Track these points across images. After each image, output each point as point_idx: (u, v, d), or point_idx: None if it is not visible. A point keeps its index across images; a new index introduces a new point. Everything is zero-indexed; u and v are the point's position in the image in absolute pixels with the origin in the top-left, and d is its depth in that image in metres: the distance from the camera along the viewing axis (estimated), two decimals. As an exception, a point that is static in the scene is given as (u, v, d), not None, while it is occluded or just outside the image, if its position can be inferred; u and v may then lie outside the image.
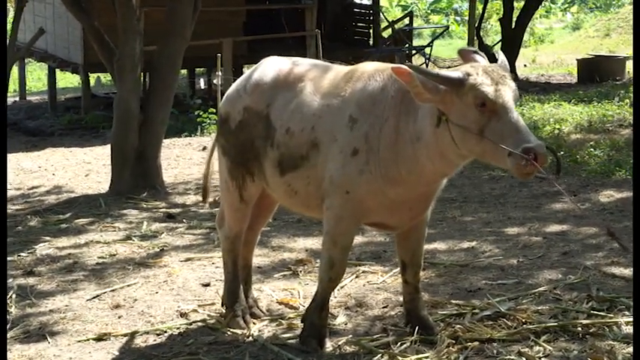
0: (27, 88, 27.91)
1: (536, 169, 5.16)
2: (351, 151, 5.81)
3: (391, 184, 5.79)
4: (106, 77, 30.90)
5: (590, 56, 26.72)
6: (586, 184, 11.46)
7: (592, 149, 13.28)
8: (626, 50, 30.18)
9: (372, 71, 5.94)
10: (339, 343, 6.21)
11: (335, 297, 7.29)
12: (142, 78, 14.75)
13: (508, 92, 5.36)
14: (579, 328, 6.19)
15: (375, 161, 5.76)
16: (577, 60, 25.50)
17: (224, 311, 6.85)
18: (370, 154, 5.77)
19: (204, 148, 16.35)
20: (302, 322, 6.35)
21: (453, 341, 6.05)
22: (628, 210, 9.87)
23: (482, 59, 5.71)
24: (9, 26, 18.71)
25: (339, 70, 6.24)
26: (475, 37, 25.37)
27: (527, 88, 21.75)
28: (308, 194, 6.12)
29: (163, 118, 12.69)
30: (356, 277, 7.79)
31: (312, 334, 6.18)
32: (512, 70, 24.59)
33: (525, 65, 27.49)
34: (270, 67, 6.46)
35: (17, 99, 26.49)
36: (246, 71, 6.76)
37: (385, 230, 6.19)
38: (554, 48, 36.03)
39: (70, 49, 22.66)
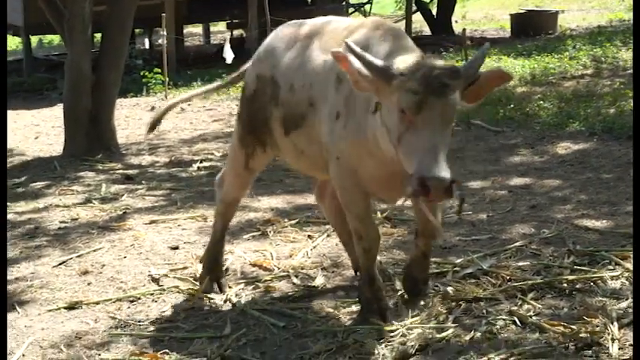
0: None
1: (427, 199, 4.70)
2: (335, 114, 5.46)
3: (367, 154, 5.38)
4: (45, 39, 30.32)
5: (523, 11, 26.78)
6: (542, 136, 11.40)
7: (541, 102, 13.28)
8: (553, 5, 30.46)
9: (372, 26, 5.54)
10: (322, 305, 6.07)
11: (309, 257, 7.15)
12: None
13: (436, 107, 4.73)
14: (565, 284, 6.07)
15: (351, 126, 5.36)
16: (510, 15, 25.66)
17: (198, 274, 6.67)
18: (348, 118, 5.39)
19: (153, 108, 16.10)
20: (358, 299, 5.97)
21: (441, 301, 5.89)
22: (587, 162, 9.86)
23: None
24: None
25: (345, 24, 5.86)
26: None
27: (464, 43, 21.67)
28: (314, 154, 5.74)
29: (115, 79, 12.38)
30: (327, 236, 7.64)
31: (370, 309, 5.74)
32: (449, 26, 24.48)
33: (456, 21, 27.39)
34: (280, 31, 6.20)
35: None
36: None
37: (386, 203, 5.84)
38: (482, 4, 35.88)
39: (10, 11, 22.12)
